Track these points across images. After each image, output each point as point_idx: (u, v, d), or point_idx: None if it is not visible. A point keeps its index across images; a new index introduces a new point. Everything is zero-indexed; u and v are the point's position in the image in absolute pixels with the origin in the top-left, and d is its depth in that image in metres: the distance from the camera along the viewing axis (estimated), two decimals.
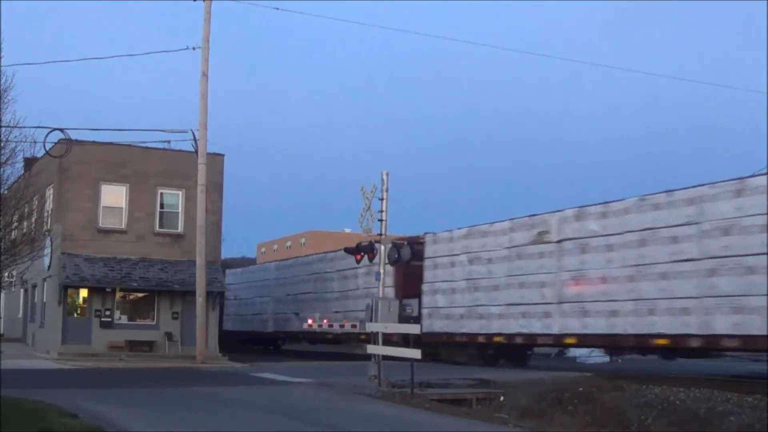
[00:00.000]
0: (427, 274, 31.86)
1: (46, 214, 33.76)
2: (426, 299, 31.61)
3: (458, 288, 30.31)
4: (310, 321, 39.69)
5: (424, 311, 31.41)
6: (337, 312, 37.71)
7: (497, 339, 28.57)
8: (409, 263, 32.09)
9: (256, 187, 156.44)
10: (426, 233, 32.35)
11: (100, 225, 33.33)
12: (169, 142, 30.16)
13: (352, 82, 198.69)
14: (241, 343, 46.96)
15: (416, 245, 32.38)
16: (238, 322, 49.37)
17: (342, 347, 42.21)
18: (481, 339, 29.22)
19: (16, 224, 28.17)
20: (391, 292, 31.96)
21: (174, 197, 34.46)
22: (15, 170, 25.99)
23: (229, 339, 48.00)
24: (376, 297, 22.00)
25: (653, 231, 23.10)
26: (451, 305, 30.58)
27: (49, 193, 34.13)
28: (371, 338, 21.93)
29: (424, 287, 31.84)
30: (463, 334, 29.89)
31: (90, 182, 33.09)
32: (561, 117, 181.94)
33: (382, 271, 22.38)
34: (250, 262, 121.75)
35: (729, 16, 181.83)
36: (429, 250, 31.91)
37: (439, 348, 30.62)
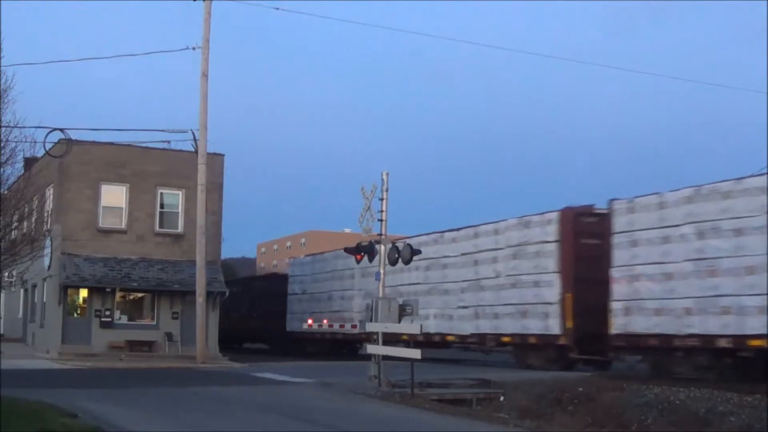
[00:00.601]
0: (619, 255, 23.96)
1: (46, 214, 33.76)
2: (618, 288, 23.84)
3: (679, 272, 22.19)
4: (309, 321, 39.38)
5: (616, 305, 23.74)
6: (465, 307, 29.63)
7: (756, 342, 20.39)
8: (578, 241, 26.03)
9: (256, 187, 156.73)
10: (614, 200, 24.64)
11: (100, 225, 33.34)
12: (169, 142, 30.18)
13: (352, 82, 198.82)
14: (313, 346, 40.61)
15: (589, 217, 26.40)
16: (306, 320, 41.52)
17: (451, 352, 34.45)
18: (723, 342, 21.06)
19: (16, 224, 28.16)
20: (555, 279, 26.00)
21: (174, 197, 34.46)
22: (15, 170, 26.00)
23: (295, 341, 41.63)
24: (376, 297, 21.95)
25: None
26: (666, 296, 22.45)
27: (49, 193, 34.13)
28: (369, 337, 21.80)
29: (615, 272, 24.02)
30: (690, 335, 21.77)
31: (90, 182, 33.09)
32: (561, 116, 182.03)
33: (382, 271, 22.33)
34: (250, 262, 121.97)
35: (729, 16, 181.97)
36: (621, 223, 24.06)
37: (646, 353, 23.85)
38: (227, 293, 34.50)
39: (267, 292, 45.94)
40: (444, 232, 31.69)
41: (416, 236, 33.56)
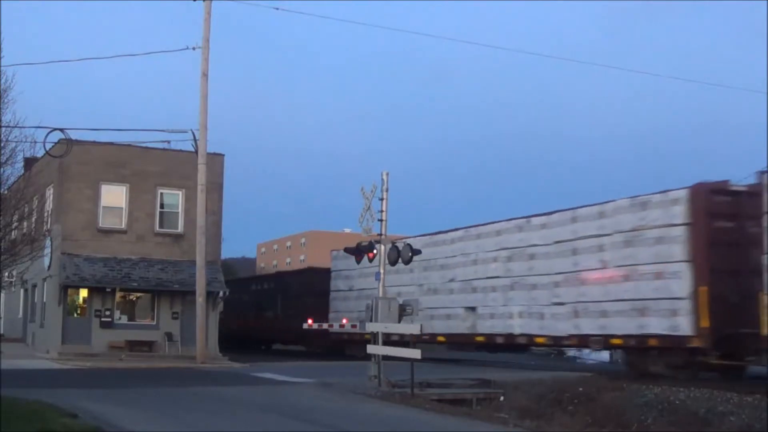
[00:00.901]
0: None
1: (46, 214, 33.77)
2: None
3: None
4: (309, 321, 39.08)
5: None
6: (561, 303, 25.27)
7: None
8: (711, 224, 21.88)
9: (256, 187, 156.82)
10: (765, 172, 20.06)
11: (100, 225, 33.35)
12: (169, 142, 30.22)
13: (353, 82, 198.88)
14: (359, 348, 34.03)
15: (724, 195, 22.19)
16: (353, 320, 35.92)
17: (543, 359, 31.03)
18: None
19: (16, 224, 28.16)
20: (685, 270, 21.58)
21: (174, 197, 34.47)
22: (15, 170, 25.99)
23: (338, 343, 37.19)
24: (376, 297, 21.94)
25: None
26: None
27: (49, 193, 34.14)
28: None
29: None
30: None
31: (90, 182, 33.11)
32: (561, 116, 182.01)
33: (382, 271, 22.32)
34: (250, 262, 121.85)
35: (729, 16, 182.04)
36: None
37: None
38: (227, 293, 34.43)
39: (304, 289, 41.30)
40: (531, 216, 27.16)
41: (492, 223, 29.14)
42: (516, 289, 27.09)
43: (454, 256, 30.18)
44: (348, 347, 36.52)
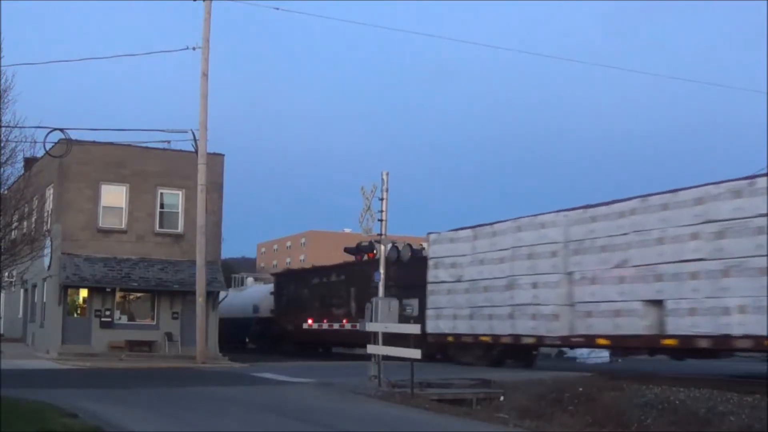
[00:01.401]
0: None
1: (46, 214, 33.76)
2: None
3: None
4: (309, 321, 39.01)
5: None
6: None
7: None
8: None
9: (256, 187, 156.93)
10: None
11: (100, 225, 33.37)
12: (169, 142, 30.24)
13: (352, 82, 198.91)
14: (466, 353, 29.41)
15: None
16: (463, 319, 29.24)
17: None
18: None
19: (16, 224, 28.12)
20: None
21: (174, 197, 34.49)
22: (15, 170, 25.95)
23: (437, 347, 30.16)
24: (376, 297, 21.94)
25: None
26: None
27: (49, 193, 34.15)
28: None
29: None
30: None
31: (90, 182, 33.13)
32: (561, 116, 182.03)
33: (382, 271, 22.33)
34: (250, 262, 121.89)
35: (729, 16, 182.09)
36: None
37: None
38: (228, 294, 34.37)
39: (388, 281, 34.27)
40: (755, 177, 20.17)
41: (687, 188, 21.83)
42: (734, 275, 19.98)
43: (625, 234, 23.14)
44: (453, 350, 30.05)
